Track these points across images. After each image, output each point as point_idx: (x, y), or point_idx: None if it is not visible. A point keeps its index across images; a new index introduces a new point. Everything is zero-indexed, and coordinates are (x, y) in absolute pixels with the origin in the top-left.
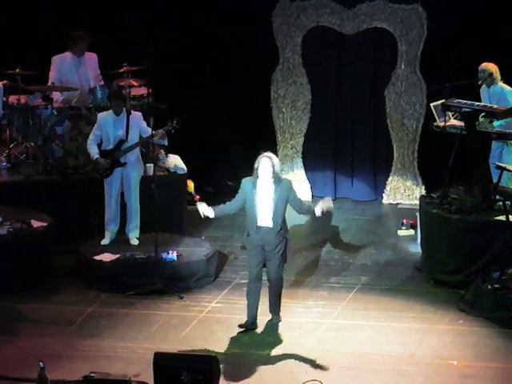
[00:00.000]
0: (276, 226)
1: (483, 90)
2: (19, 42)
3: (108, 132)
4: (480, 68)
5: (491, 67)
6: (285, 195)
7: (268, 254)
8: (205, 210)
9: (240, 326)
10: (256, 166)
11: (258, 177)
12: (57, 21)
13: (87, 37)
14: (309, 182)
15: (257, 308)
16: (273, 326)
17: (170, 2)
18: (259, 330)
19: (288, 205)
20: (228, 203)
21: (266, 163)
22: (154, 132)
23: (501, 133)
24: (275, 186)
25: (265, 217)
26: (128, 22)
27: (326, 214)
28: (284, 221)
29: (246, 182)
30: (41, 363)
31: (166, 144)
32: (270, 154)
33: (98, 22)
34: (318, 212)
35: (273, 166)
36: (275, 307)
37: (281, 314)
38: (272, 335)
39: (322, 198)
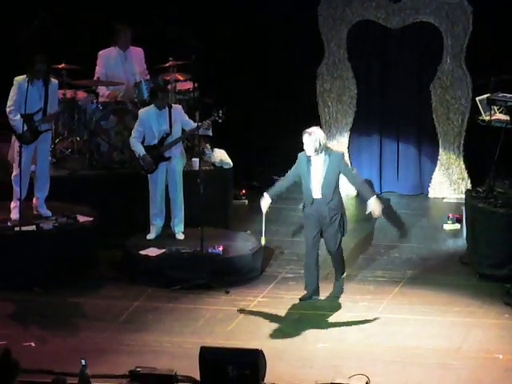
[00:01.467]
0: (326, 198)
1: None
2: (64, 36)
3: (152, 127)
4: None
5: None
6: (335, 167)
7: (324, 226)
8: (264, 207)
9: (300, 299)
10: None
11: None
12: (102, 15)
13: (128, 28)
14: None
15: (315, 281)
16: (319, 320)
17: None
18: (305, 324)
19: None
20: (279, 182)
21: (305, 140)
22: (199, 123)
23: None
24: (325, 158)
25: (317, 189)
26: (174, 17)
27: (373, 215)
28: (337, 193)
29: (301, 156)
30: (83, 361)
31: (211, 134)
32: (311, 129)
33: (144, 16)
34: (369, 208)
35: (315, 141)
36: (339, 268)
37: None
38: (318, 329)
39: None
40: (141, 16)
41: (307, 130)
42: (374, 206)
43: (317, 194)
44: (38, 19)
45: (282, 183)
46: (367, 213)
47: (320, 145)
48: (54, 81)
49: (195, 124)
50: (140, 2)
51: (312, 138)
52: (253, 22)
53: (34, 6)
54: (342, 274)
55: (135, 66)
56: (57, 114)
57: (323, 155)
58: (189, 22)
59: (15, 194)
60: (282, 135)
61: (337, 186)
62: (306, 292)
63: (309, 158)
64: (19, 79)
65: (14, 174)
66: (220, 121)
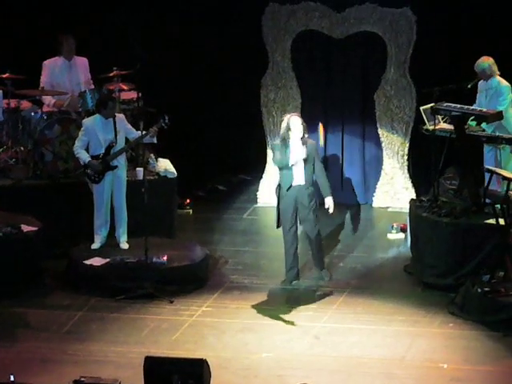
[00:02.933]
0: (308, 184)
1: (481, 83)
2: (8, 46)
3: (99, 136)
4: (476, 64)
5: (486, 61)
6: (313, 154)
7: (302, 213)
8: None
9: (282, 282)
10: (285, 125)
11: (289, 137)
12: (46, 25)
13: (71, 38)
14: None
15: (296, 266)
16: (263, 329)
17: (159, 5)
18: (249, 333)
19: None
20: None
21: (298, 121)
22: (146, 131)
23: (490, 136)
24: (303, 145)
25: (298, 175)
26: (118, 26)
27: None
28: (313, 180)
29: (277, 144)
30: (12, 376)
31: (155, 142)
32: (295, 113)
33: (87, 25)
34: (327, 204)
35: (303, 124)
36: (321, 262)
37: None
38: (262, 339)
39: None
40: (86, 25)
41: (294, 113)
42: (330, 203)
43: (297, 180)
44: None
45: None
46: (326, 207)
47: (305, 129)
48: None
49: (139, 132)
50: (85, 11)
51: (301, 119)
52: (196, 30)
53: None
54: (325, 269)
55: (80, 75)
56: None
57: (302, 142)
58: (134, 30)
59: None
60: (226, 145)
61: (313, 173)
62: (285, 279)
63: (286, 146)
64: None
65: None
66: (166, 127)
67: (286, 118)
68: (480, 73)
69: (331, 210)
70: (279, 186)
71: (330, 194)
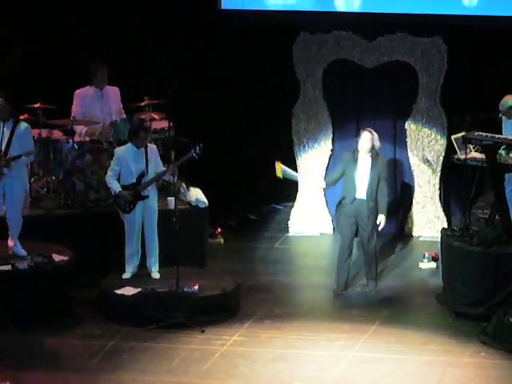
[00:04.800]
0: (369, 199)
1: (506, 121)
2: (40, 75)
3: (130, 166)
4: (500, 104)
5: (510, 100)
6: (380, 171)
7: (361, 225)
8: (317, 183)
9: (334, 291)
10: (358, 139)
11: (358, 151)
12: (78, 54)
13: (104, 67)
14: (330, 215)
15: (347, 276)
16: (295, 358)
17: (192, 35)
18: (281, 363)
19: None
20: (329, 176)
21: (366, 136)
22: (170, 166)
23: None
24: (373, 161)
25: (361, 189)
26: (149, 56)
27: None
28: (376, 195)
29: (346, 155)
30: None
31: (174, 182)
32: (370, 129)
33: (119, 55)
34: (378, 220)
35: (372, 140)
36: (371, 273)
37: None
38: (294, 368)
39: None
40: (117, 55)
41: (367, 129)
42: (382, 220)
43: (360, 194)
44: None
45: (333, 177)
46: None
47: (375, 146)
48: (24, 124)
49: (163, 168)
50: (115, 41)
51: (373, 136)
52: (228, 60)
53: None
54: (374, 278)
55: (111, 104)
56: (15, 157)
57: (371, 158)
58: (165, 60)
59: None
60: (257, 174)
61: (377, 188)
62: (336, 287)
63: (355, 159)
64: None
65: None
66: (197, 157)
67: (361, 131)
68: (505, 112)
69: (381, 227)
70: (343, 198)
71: (385, 212)
